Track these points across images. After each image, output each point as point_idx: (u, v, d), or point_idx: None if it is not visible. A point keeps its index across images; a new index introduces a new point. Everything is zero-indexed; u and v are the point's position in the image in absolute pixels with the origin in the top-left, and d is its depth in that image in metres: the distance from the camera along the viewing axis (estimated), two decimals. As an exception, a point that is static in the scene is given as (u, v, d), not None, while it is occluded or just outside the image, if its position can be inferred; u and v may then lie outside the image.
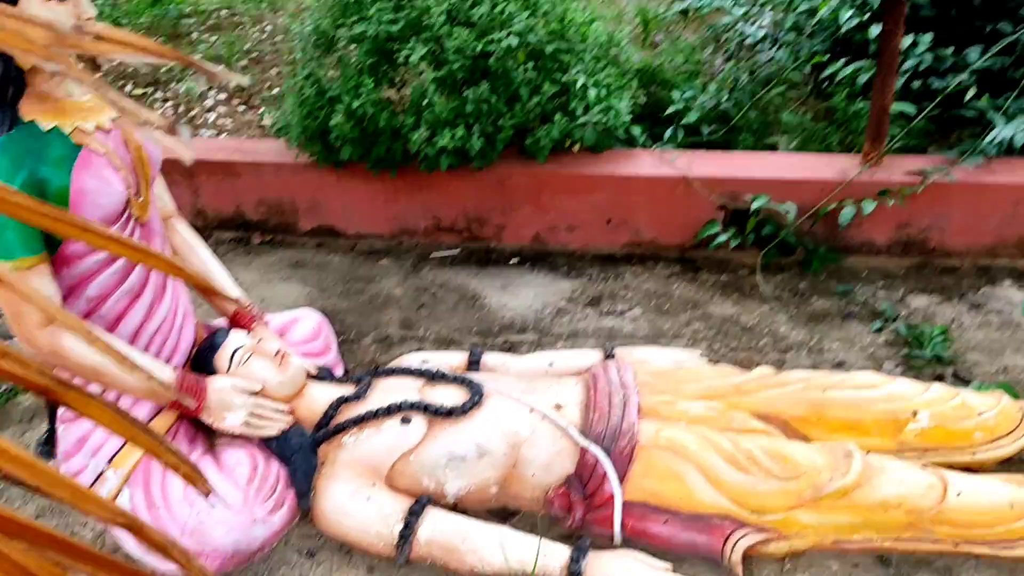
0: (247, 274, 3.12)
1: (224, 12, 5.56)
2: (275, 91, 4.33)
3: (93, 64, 4.79)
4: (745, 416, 2.01)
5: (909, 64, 3.09)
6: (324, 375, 2.20)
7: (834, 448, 1.88)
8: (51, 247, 1.72)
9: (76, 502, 0.59)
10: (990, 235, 2.91)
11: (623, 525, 1.84)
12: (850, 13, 3.21)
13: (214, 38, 5.08)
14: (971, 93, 2.91)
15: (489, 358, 2.36)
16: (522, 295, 2.91)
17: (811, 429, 2.00)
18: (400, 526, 1.82)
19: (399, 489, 1.93)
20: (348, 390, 2.10)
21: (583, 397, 2.05)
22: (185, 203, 3.34)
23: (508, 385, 2.09)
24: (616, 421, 1.92)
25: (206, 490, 0.66)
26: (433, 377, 2.12)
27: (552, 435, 1.94)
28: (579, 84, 2.89)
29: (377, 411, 1.98)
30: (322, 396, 2.08)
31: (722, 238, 2.93)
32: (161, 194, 2.13)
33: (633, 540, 1.85)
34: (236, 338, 2.04)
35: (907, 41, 3.07)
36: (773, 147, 3.33)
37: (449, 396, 2.03)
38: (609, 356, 2.33)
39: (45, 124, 1.69)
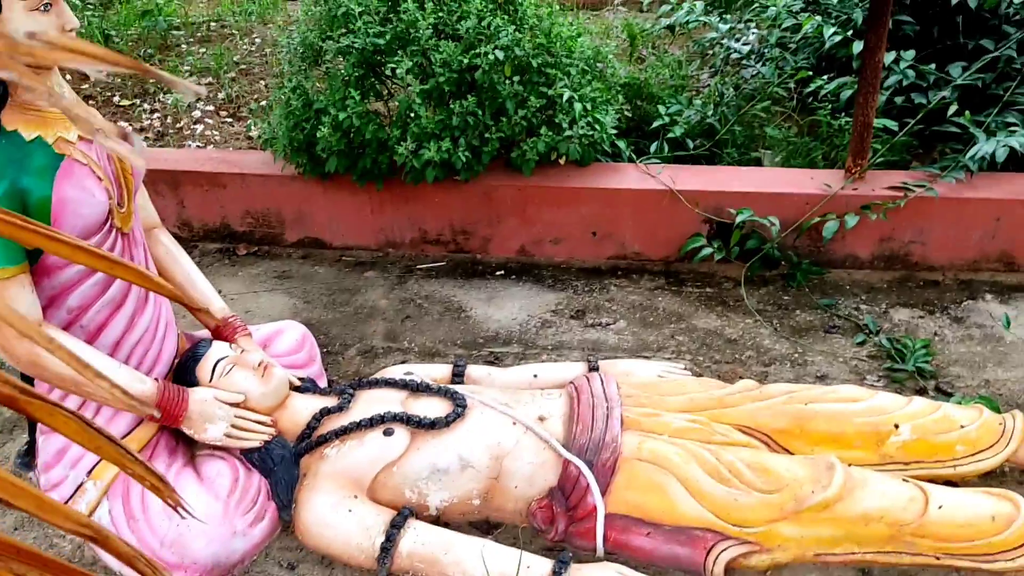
0: (232, 285, 3.11)
1: (214, 24, 5.57)
2: (263, 103, 4.33)
3: (81, 73, 4.79)
4: (728, 429, 2.01)
5: (892, 80, 3.11)
6: (307, 387, 2.19)
7: (816, 461, 1.89)
8: (32, 257, 1.72)
9: (40, 513, 0.59)
10: (972, 249, 2.93)
11: (605, 538, 1.84)
12: (834, 30, 3.24)
13: (203, 50, 5.08)
14: (953, 109, 2.94)
15: (473, 370, 2.36)
16: (507, 307, 2.91)
17: (793, 442, 2.00)
18: (382, 538, 1.81)
19: (381, 501, 1.92)
20: (331, 402, 2.10)
21: (567, 409, 2.05)
22: (170, 214, 3.34)
23: (492, 397, 2.09)
24: (599, 433, 1.93)
25: (174, 502, 0.66)
26: (416, 389, 2.12)
27: (535, 447, 1.94)
28: (565, 98, 2.90)
29: (360, 423, 1.98)
30: (305, 408, 2.07)
31: (707, 251, 2.94)
32: (144, 204, 2.13)
33: (615, 553, 1.85)
34: (218, 349, 2.03)
35: (890, 57, 3.09)
36: (758, 161, 3.35)
37: (432, 408, 2.03)
38: (593, 368, 2.33)
39: (28, 134, 1.69)
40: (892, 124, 3.02)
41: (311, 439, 2.00)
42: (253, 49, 5.14)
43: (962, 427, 2.00)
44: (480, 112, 2.83)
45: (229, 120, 4.28)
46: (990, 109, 2.99)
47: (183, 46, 5.17)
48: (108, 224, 1.82)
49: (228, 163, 3.30)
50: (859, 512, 1.78)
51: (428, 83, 2.82)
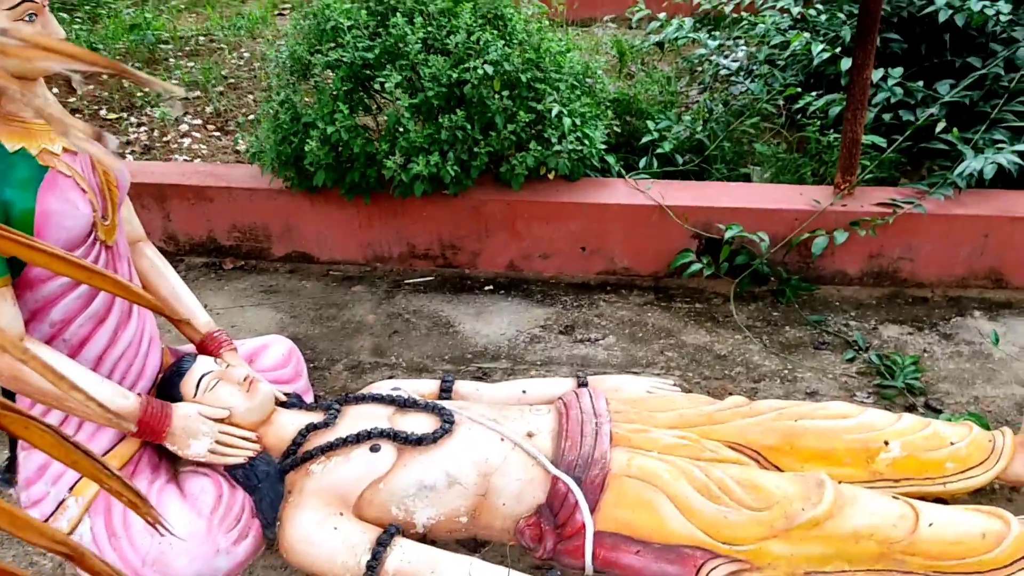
0: (218, 299, 3.09)
1: (202, 38, 5.56)
2: (251, 117, 4.32)
3: (68, 87, 4.77)
4: (717, 445, 2.00)
5: (880, 97, 3.13)
6: (293, 402, 2.17)
7: (806, 478, 1.87)
8: (15, 270, 1.69)
9: (14, 529, 0.57)
10: (960, 266, 2.93)
11: (594, 555, 1.82)
12: (822, 47, 3.26)
13: (191, 64, 5.07)
14: (941, 126, 2.95)
15: (461, 386, 2.34)
16: (496, 322, 2.90)
17: (783, 459, 1.99)
18: (367, 556, 1.78)
19: (367, 518, 1.89)
20: (317, 417, 2.07)
21: (555, 425, 2.03)
22: (157, 227, 3.31)
23: (480, 413, 2.07)
24: (588, 449, 1.91)
25: (152, 518, 0.64)
26: (404, 405, 2.09)
27: (523, 464, 1.92)
28: (554, 113, 2.90)
29: (346, 439, 1.95)
30: (290, 423, 2.05)
31: (696, 267, 2.94)
32: (129, 218, 2.11)
33: (604, 571, 1.83)
34: (203, 364, 2.01)
35: (878, 75, 3.11)
36: (747, 177, 3.35)
37: (420, 424, 2.01)
38: (582, 384, 2.32)
39: (11, 145, 1.67)
40: (880, 141, 3.03)
41: (296, 455, 1.97)
42: (241, 63, 5.13)
43: (952, 444, 1.99)
44: (469, 126, 2.82)
45: (217, 134, 4.26)
46: (978, 126, 3.01)
47: (171, 60, 5.16)
48: (92, 237, 1.79)
49: (215, 177, 3.28)
50: (849, 530, 1.77)
51: (417, 97, 2.81)
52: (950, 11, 3.09)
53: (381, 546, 1.79)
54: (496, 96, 2.82)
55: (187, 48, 5.38)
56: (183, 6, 6.32)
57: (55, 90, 4.58)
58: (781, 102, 3.57)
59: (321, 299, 3.08)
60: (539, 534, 1.86)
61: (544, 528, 1.85)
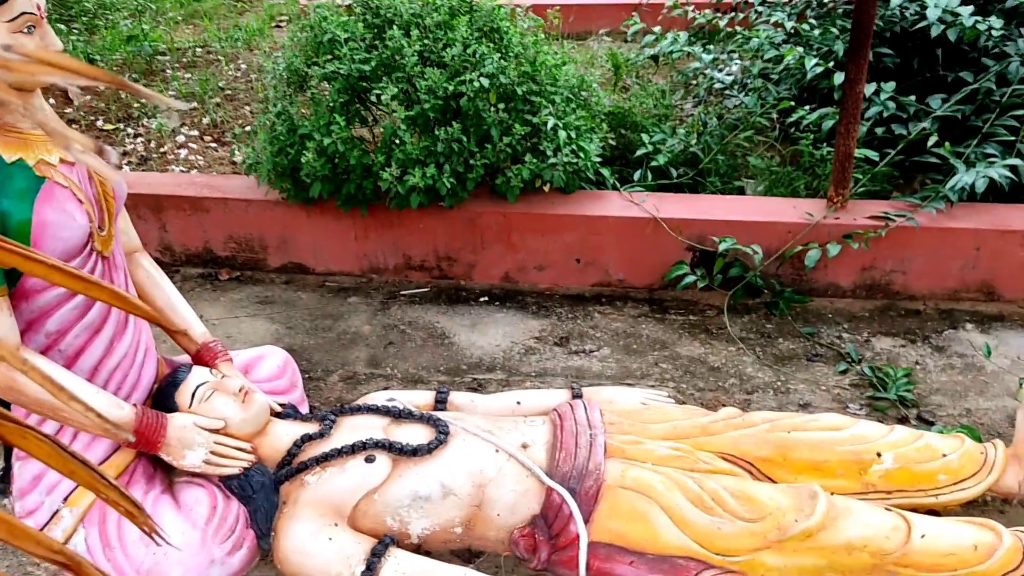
0: (214, 310, 3.09)
1: (199, 50, 5.58)
2: (247, 128, 4.33)
3: (64, 97, 4.78)
4: (711, 456, 2.01)
5: (873, 111, 3.15)
6: (288, 413, 2.17)
7: (799, 490, 1.88)
8: (11, 280, 1.70)
9: (12, 539, 0.57)
10: (953, 279, 2.95)
11: (588, 566, 1.82)
12: (815, 61, 3.28)
13: (188, 75, 5.08)
14: (933, 140, 2.97)
15: (456, 397, 2.35)
16: (491, 334, 2.90)
17: (776, 470, 2.00)
18: (362, 567, 1.79)
19: (362, 529, 1.90)
20: (312, 428, 2.08)
21: (550, 437, 2.04)
22: (153, 238, 3.32)
23: (474, 424, 2.07)
24: (582, 461, 1.91)
25: (149, 528, 0.65)
26: (399, 416, 2.10)
27: (518, 475, 1.93)
28: (550, 125, 2.91)
29: (341, 449, 1.96)
30: (285, 434, 2.05)
31: (690, 279, 2.95)
32: (125, 228, 2.11)
33: (598, 582, 1.83)
34: (199, 374, 2.01)
35: (870, 89, 3.13)
36: (740, 190, 3.37)
37: (414, 435, 2.01)
38: (577, 396, 2.32)
39: (8, 156, 1.68)
40: (873, 154, 3.05)
41: (291, 466, 1.97)
42: (238, 75, 5.15)
43: (944, 456, 2.00)
44: (465, 139, 2.84)
45: (213, 145, 4.27)
46: (970, 140, 3.03)
47: (168, 71, 5.17)
48: (88, 247, 1.80)
49: (211, 188, 3.29)
50: (842, 541, 1.78)
51: (413, 109, 2.83)
52: (942, 26, 3.12)
53: (376, 557, 1.79)
54: (492, 109, 2.84)
55: (184, 60, 5.40)
56: (180, 18, 6.34)
57: (51, 101, 4.59)
58: (775, 116, 3.59)
59: (317, 310, 3.08)
60: (533, 545, 1.86)
61: (538, 539, 1.86)
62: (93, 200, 1.82)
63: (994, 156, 2.94)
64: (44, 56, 0.42)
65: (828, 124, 3.22)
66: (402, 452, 1.94)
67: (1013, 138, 2.97)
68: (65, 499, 1.85)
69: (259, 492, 1.93)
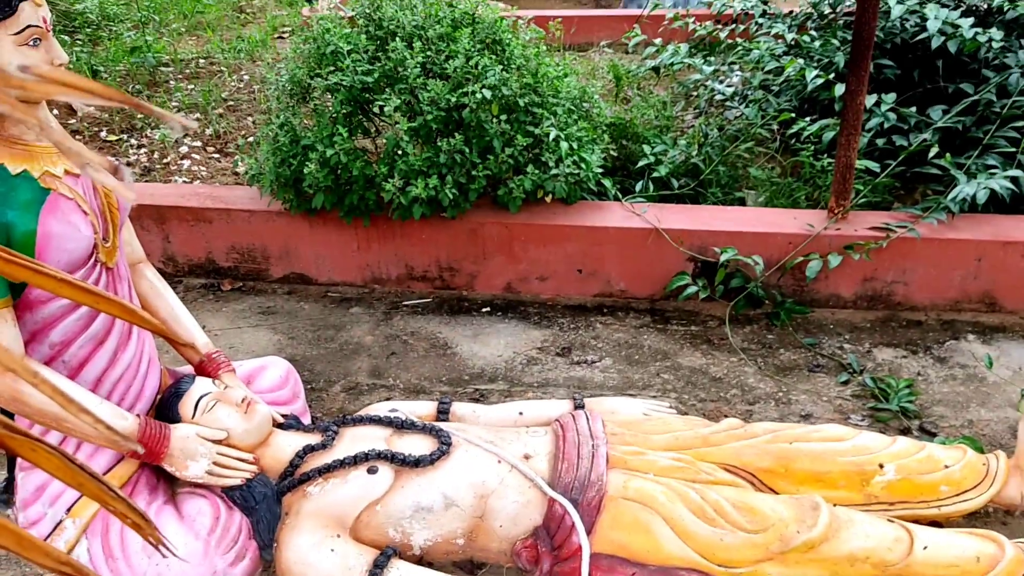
0: (216, 321, 3.10)
1: (202, 61, 5.60)
2: (250, 139, 4.35)
3: (68, 108, 4.80)
4: (713, 467, 2.01)
5: (873, 122, 3.16)
6: (291, 423, 2.17)
7: (801, 501, 1.88)
8: (15, 291, 1.71)
9: (21, 550, 0.58)
10: (954, 290, 2.95)
11: (590, 578, 1.82)
12: (816, 73, 3.30)
13: (191, 86, 5.11)
14: (934, 151, 2.98)
15: (458, 407, 2.35)
16: (493, 344, 2.91)
17: (778, 481, 2.00)
18: (364, 579, 1.78)
19: (364, 540, 1.90)
20: (315, 439, 2.08)
21: (552, 447, 2.04)
22: (156, 249, 3.33)
23: (477, 435, 2.07)
24: (584, 472, 1.91)
25: (156, 540, 0.65)
26: (401, 426, 2.10)
27: (520, 486, 1.93)
28: (552, 137, 2.93)
29: (343, 460, 1.96)
30: (288, 445, 2.05)
31: (692, 290, 2.96)
32: (129, 239, 2.12)
33: (600, 593, 1.83)
34: (201, 385, 2.01)
35: (871, 100, 3.15)
36: (741, 201, 3.38)
37: (417, 446, 2.01)
38: (579, 406, 2.32)
39: (13, 168, 1.68)
40: (874, 166, 3.06)
41: (294, 477, 1.97)
42: (241, 86, 5.17)
43: (946, 467, 2.00)
44: (467, 150, 2.85)
45: (216, 156, 4.29)
46: (970, 152, 3.04)
47: (171, 82, 5.20)
48: (93, 259, 1.81)
49: (214, 198, 3.30)
50: (845, 553, 1.78)
51: (416, 121, 2.84)
52: (943, 38, 3.13)
53: (378, 568, 1.79)
54: (494, 120, 2.85)
55: (187, 71, 5.42)
56: (184, 29, 6.37)
57: (55, 112, 4.61)
58: (775, 127, 3.60)
59: (319, 320, 3.09)
60: (536, 556, 1.86)
61: (541, 550, 1.86)
62: (98, 211, 1.83)
63: (995, 167, 2.95)
64: (60, 77, 0.43)
65: (829, 135, 3.24)
66: (404, 463, 1.94)
67: (1014, 149, 2.98)
68: (68, 510, 1.85)
69: (261, 503, 1.93)
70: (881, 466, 1.98)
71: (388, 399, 2.61)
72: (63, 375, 1.81)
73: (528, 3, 7.31)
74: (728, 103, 3.85)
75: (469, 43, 2.92)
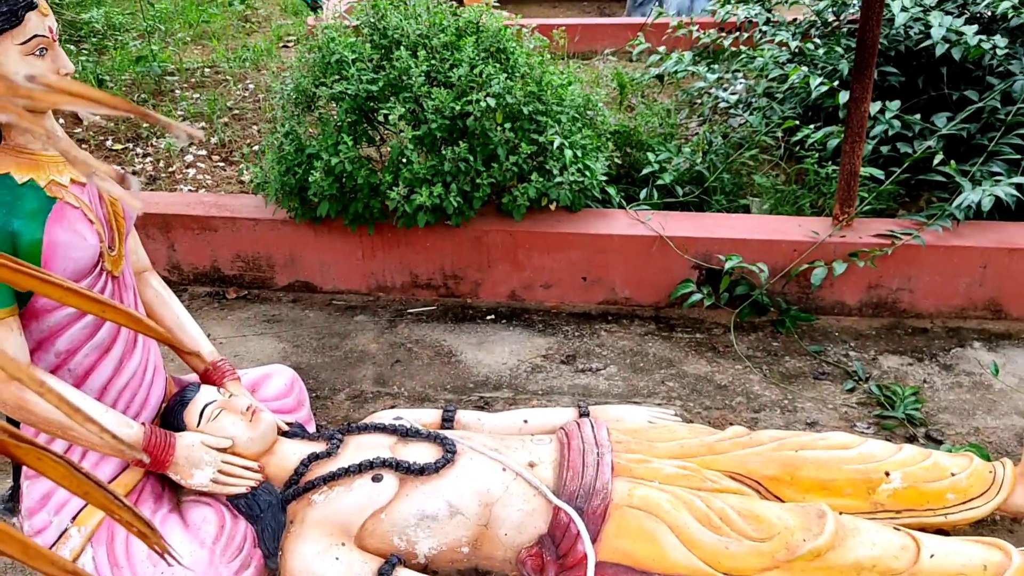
0: (221, 329, 3.10)
1: (208, 70, 5.62)
2: (255, 148, 4.36)
3: (74, 117, 4.82)
4: (718, 475, 2.00)
5: (878, 130, 3.16)
6: (295, 432, 2.17)
7: (807, 509, 1.88)
8: (21, 300, 1.71)
9: (26, 558, 0.58)
10: (959, 297, 2.95)
11: (595, 587, 1.82)
12: (820, 80, 3.30)
13: (196, 95, 5.13)
14: (938, 158, 2.98)
15: (463, 415, 2.35)
16: (497, 352, 2.91)
17: (784, 489, 1.99)
18: (369, 587, 1.78)
19: (369, 549, 1.90)
20: (319, 447, 2.08)
21: (557, 455, 2.04)
22: (161, 257, 3.34)
23: (482, 443, 2.07)
24: (590, 479, 1.91)
25: (161, 548, 0.65)
26: (406, 434, 2.10)
27: (525, 494, 1.93)
28: (556, 145, 2.93)
29: (348, 468, 1.96)
30: (293, 453, 2.05)
31: (696, 297, 2.96)
32: (135, 248, 2.13)
33: (605, 602, 1.83)
34: (206, 393, 2.02)
35: (875, 108, 3.15)
36: (746, 208, 3.38)
37: (422, 454, 2.01)
38: (584, 414, 2.32)
39: (20, 177, 1.69)
40: (878, 173, 3.06)
41: (298, 485, 1.97)
42: (246, 95, 5.19)
43: (952, 475, 1.99)
44: (472, 158, 2.86)
45: (221, 164, 4.30)
46: (975, 159, 3.04)
47: (177, 91, 5.22)
48: (99, 267, 1.81)
49: (219, 207, 3.31)
50: (851, 561, 1.77)
51: (420, 129, 2.85)
52: (947, 45, 3.14)
53: (382, 576, 1.79)
54: (498, 128, 2.86)
55: (193, 80, 5.44)
56: (189, 39, 6.40)
57: (61, 120, 4.63)
58: (780, 134, 3.60)
59: (324, 328, 3.09)
60: (541, 564, 1.86)
61: (546, 558, 1.85)
62: (103, 220, 1.83)
63: (1000, 174, 2.95)
64: (68, 87, 0.43)
65: (833, 143, 3.24)
66: (409, 471, 1.94)
67: (1018, 156, 2.98)
68: (73, 518, 1.85)
69: (266, 511, 1.93)
70: (887, 474, 1.98)
71: (393, 407, 2.61)
72: (69, 383, 1.81)
73: (532, 11, 7.34)
74: (732, 111, 3.86)
75: (473, 52, 2.93)
